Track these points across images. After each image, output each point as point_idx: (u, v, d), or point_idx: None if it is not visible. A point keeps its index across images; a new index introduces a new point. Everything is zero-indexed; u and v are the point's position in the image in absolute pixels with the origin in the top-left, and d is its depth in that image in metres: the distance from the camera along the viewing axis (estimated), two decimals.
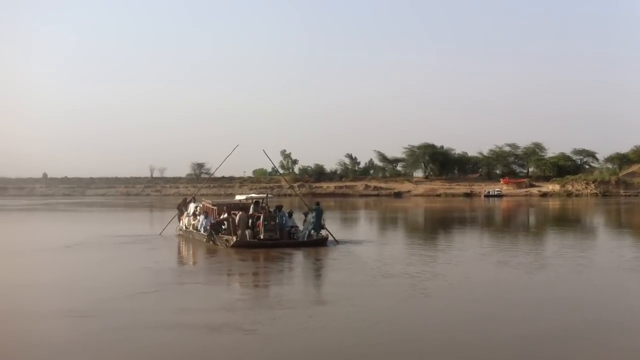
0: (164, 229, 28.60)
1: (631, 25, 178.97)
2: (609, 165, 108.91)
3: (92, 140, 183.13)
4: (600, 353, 9.20)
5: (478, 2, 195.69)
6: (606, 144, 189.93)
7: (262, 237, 22.48)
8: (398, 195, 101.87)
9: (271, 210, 23.79)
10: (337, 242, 23.78)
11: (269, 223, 22.73)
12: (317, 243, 22.82)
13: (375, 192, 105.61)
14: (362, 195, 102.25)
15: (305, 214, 24.27)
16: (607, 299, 13.37)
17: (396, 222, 42.41)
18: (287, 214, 23.87)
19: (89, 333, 10.35)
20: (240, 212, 23.28)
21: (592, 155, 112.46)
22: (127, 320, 11.21)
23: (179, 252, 23.88)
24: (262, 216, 22.87)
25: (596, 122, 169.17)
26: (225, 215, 24.07)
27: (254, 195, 26.79)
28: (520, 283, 15.25)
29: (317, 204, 24.39)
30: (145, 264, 18.81)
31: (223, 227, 23.65)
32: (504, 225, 39.31)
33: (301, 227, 23.95)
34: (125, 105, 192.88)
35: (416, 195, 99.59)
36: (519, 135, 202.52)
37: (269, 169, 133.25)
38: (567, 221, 42.27)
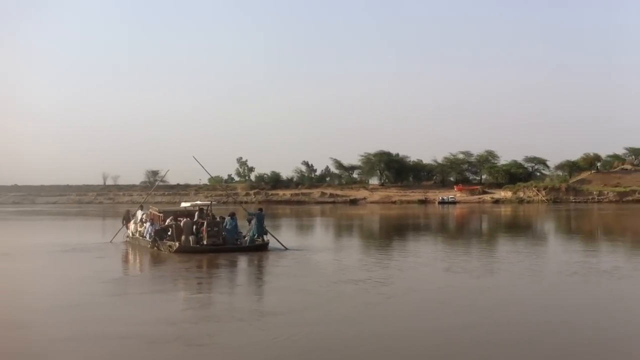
0: (115, 236, 28.38)
1: (584, 34, 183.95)
2: (560, 173, 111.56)
3: (43, 147, 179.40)
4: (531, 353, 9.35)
5: (435, 12, 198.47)
6: (557, 152, 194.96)
7: (205, 242, 23.07)
8: (354, 202, 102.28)
9: (216, 217, 24.66)
10: (285, 248, 23.90)
11: (212, 229, 23.44)
12: (258, 248, 23.45)
13: (331, 200, 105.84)
14: (318, 203, 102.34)
15: (249, 221, 24.64)
16: (548, 302, 13.60)
17: (351, 229, 42.53)
18: (236, 222, 24.20)
19: (26, 345, 10.01)
20: (185, 219, 23.97)
21: (543, 162, 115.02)
22: (67, 332, 10.85)
23: (126, 260, 23.56)
24: (205, 223, 23.52)
25: (547, 130, 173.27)
26: (169, 221, 24.43)
27: (199, 202, 27.75)
28: (468, 288, 15.40)
29: (260, 209, 25.13)
30: (90, 273, 18.34)
31: (168, 233, 23.99)
32: (457, 231, 39.82)
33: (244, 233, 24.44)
34: (77, 110, 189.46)
35: (372, 203, 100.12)
36: (473, 143, 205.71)
37: (225, 176, 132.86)
38: (517, 227, 43.05)
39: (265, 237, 24.22)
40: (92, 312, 12.67)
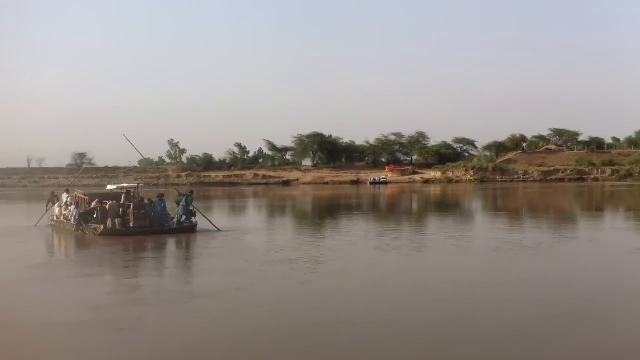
0: (40, 220, 27.60)
1: (509, 20, 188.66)
2: (487, 153, 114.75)
3: None
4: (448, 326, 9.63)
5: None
6: (485, 133, 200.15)
7: (132, 225, 22.74)
8: (287, 183, 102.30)
9: (144, 199, 24.45)
10: (218, 229, 23.75)
11: (139, 212, 23.16)
12: (186, 229, 23.23)
13: (264, 181, 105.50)
14: (251, 184, 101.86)
15: (178, 202, 24.43)
16: (471, 278, 14.00)
17: (284, 210, 42.56)
18: (165, 203, 23.96)
19: None
20: (111, 202, 23.57)
21: (471, 143, 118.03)
22: None
23: (50, 244, 22.93)
24: (132, 205, 23.21)
25: (476, 112, 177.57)
26: (95, 204, 23.96)
27: (125, 185, 27.40)
28: (399, 266, 15.67)
29: (191, 192, 25.06)
30: (13, 257, 17.75)
31: (93, 216, 23.56)
32: (388, 211, 40.41)
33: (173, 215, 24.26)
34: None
35: (305, 184, 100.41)
36: (404, 124, 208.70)
37: (156, 159, 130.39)
38: (446, 206, 44.04)
39: (193, 218, 23.97)
40: (15, 297, 12.29)
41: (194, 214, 24.18)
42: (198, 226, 23.83)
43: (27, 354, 8.63)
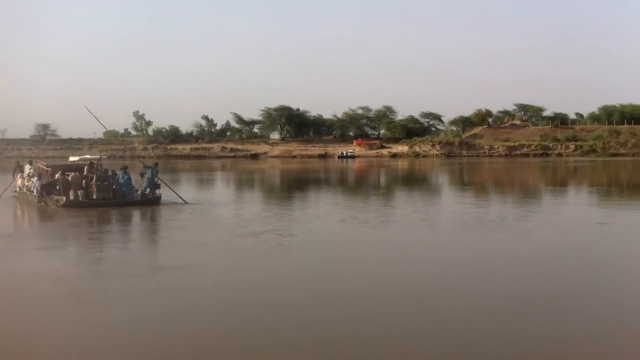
0: (4, 191, 27.25)
1: None
2: (454, 128, 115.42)
3: None
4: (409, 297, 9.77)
5: None
6: (451, 108, 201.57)
7: (94, 197, 22.54)
8: (255, 157, 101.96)
9: (108, 170, 24.30)
10: (185, 202, 23.62)
11: (102, 183, 22.89)
12: (150, 202, 23.09)
13: (232, 154, 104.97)
14: (218, 157, 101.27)
15: (142, 175, 24.26)
16: (442, 255, 14.19)
17: (251, 183, 42.44)
18: (130, 175, 23.81)
19: None
20: (74, 173, 23.33)
21: (438, 118, 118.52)
22: None
23: (13, 215, 22.71)
24: (95, 177, 22.99)
25: (442, 86, 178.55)
26: (58, 176, 23.65)
27: (88, 156, 27.42)
28: (365, 239, 15.81)
29: (156, 164, 24.90)
30: None
31: (56, 188, 23.29)
32: (356, 184, 40.61)
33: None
34: None
35: (273, 157, 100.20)
36: (371, 99, 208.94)
37: (122, 130, 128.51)
38: (413, 180, 44.41)
39: (157, 191, 23.80)
40: None
41: (159, 187, 23.97)
42: (164, 199, 23.64)
43: None
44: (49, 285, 10.57)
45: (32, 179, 25.20)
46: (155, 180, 23.84)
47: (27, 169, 26.57)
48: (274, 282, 10.94)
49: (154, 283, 10.93)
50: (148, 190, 23.57)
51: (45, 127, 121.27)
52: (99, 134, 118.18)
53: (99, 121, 27.06)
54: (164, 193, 24.15)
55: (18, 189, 26.84)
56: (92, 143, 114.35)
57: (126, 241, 16.37)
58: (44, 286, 10.50)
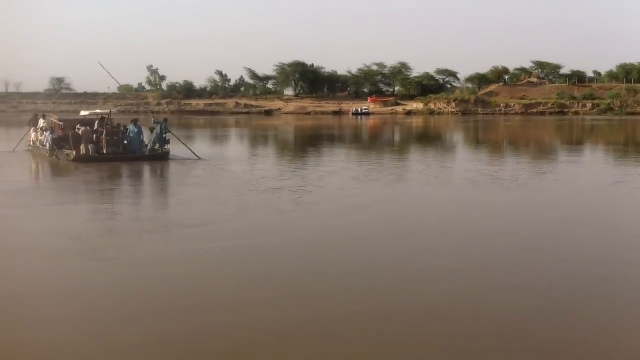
0: (17, 145, 27.56)
1: None
2: (469, 85, 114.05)
3: None
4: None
5: None
6: (467, 65, 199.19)
7: (105, 152, 22.79)
8: (269, 113, 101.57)
9: (120, 125, 24.45)
10: (198, 158, 23.74)
11: (112, 138, 23.16)
12: (159, 157, 23.24)
13: (246, 110, 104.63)
14: (232, 113, 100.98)
15: (152, 130, 24.35)
16: (456, 215, 14.22)
17: (266, 140, 42.44)
18: (141, 129, 24.01)
19: None
20: (84, 127, 23.62)
21: (453, 75, 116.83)
22: None
23: (28, 169, 22.99)
24: (105, 131, 23.16)
25: (458, 43, 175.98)
26: (72, 131, 23.99)
27: (98, 111, 27.63)
28: (375, 195, 15.86)
29: (165, 120, 24.81)
30: None
31: (68, 142, 23.50)
32: (371, 142, 40.48)
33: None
34: None
35: (287, 114, 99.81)
36: (386, 54, 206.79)
37: (135, 85, 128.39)
38: (428, 138, 44.20)
39: (167, 146, 23.92)
40: None
41: (168, 142, 24.06)
42: (175, 154, 23.83)
43: (14, 277, 8.69)
44: (67, 241, 10.58)
45: (44, 133, 25.50)
46: (165, 135, 23.90)
47: (41, 122, 26.87)
48: (288, 240, 11.01)
49: (169, 241, 10.85)
50: (157, 145, 23.68)
51: (60, 80, 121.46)
52: (113, 88, 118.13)
53: (112, 76, 27.15)
54: (178, 149, 24.27)
55: (32, 142, 27.23)
56: (106, 97, 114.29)
57: (139, 197, 16.53)
58: (62, 242, 10.53)
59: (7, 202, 14.56)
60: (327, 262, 9.54)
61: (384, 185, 17.65)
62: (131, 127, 23.75)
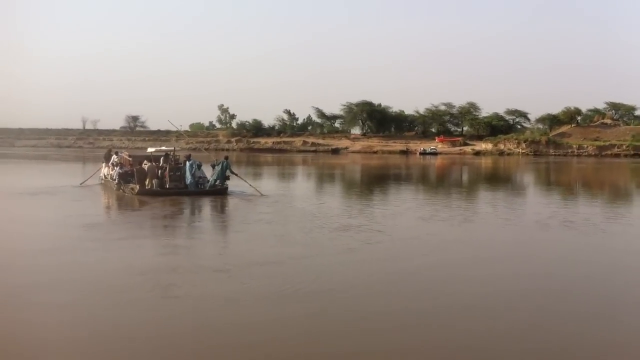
0: (86, 180, 28.91)
1: None
2: (540, 126, 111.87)
3: (21, 89, 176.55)
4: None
5: None
6: (538, 105, 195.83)
7: (168, 186, 24.08)
8: (335, 151, 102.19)
9: (179, 162, 25.62)
10: (261, 194, 24.25)
11: (175, 173, 24.41)
12: (218, 192, 24.21)
13: (313, 148, 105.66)
14: (299, 151, 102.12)
15: (213, 166, 25.39)
16: (516, 252, 13.81)
17: (333, 177, 42.58)
18: (197, 165, 24.99)
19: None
20: (150, 163, 24.96)
21: (524, 115, 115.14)
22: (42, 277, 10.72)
23: (99, 203, 23.81)
24: (168, 167, 24.54)
25: (530, 83, 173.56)
26: (138, 166, 25.36)
27: (164, 148, 29.36)
28: (449, 235, 15.59)
29: (226, 157, 25.79)
30: (66, 215, 18.26)
31: (133, 176, 24.86)
32: (438, 182, 40.04)
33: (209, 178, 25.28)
34: (56, 55, 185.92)
35: (353, 152, 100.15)
36: (455, 94, 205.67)
37: (207, 123, 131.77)
38: (497, 179, 43.36)
39: (226, 182, 24.85)
40: (62, 257, 12.46)
41: (228, 178, 25.00)
42: (238, 190, 24.87)
43: (87, 310, 8.81)
44: (132, 277, 10.53)
45: (114, 168, 26.78)
46: (227, 172, 24.89)
47: (114, 158, 28.23)
48: (354, 278, 10.89)
49: (240, 282, 10.50)
50: (218, 181, 24.64)
51: (134, 118, 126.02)
52: (185, 126, 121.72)
53: (177, 127, 27.77)
54: (243, 185, 25.23)
55: (104, 176, 28.85)
56: (178, 135, 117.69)
57: (207, 233, 16.62)
58: (131, 278, 10.56)
59: (82, 235, 14.82)
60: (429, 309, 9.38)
61: (454, 226, 17.32)
62: (187, 163, 24.73)
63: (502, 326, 8.34)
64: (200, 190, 24.25)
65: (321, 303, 9.28)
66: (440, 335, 7.97)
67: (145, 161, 25.68)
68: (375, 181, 38.53)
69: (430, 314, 8.85)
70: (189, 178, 24.35)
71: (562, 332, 8.04)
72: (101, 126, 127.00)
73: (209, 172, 25.56)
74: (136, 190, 23.74)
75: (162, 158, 25.81)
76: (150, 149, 28.72)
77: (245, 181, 25.86)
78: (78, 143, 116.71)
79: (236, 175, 25.56)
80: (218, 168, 24.84)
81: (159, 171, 24.60)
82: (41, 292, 9.60)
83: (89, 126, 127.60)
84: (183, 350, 7.22)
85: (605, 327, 8.40)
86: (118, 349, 7.28)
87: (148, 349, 7.36)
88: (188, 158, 25.04)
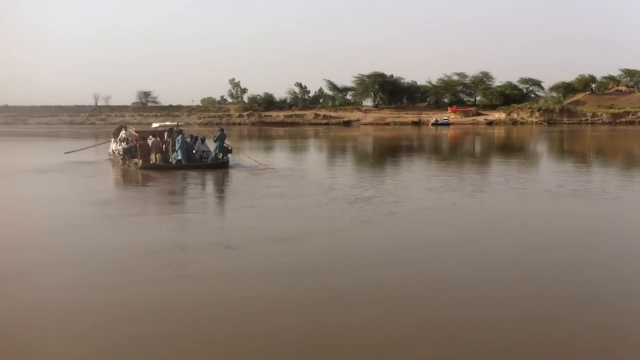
0: (73, 151, 30.92)
1: None
2: (554, 94, 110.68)
3: (34, 67, 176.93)
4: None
5: None
6: (552, 74, 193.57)
7: (171, 161, 24.76)
8: (347, 124, 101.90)
9: (191, 136, 26.34)
10: (267, 168, 24.61)
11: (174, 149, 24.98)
12: (219, 165, 24.69)
13: (325, 121, 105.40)
14: (311, 124, 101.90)
15: (215, 140, 25.93)
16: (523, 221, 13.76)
17: (345, 150, 42.48)
18: (200, 140, 25.94)
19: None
20: (154, 138, 25.68)
21: (537, 84, 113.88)
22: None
23: (110, 179, 23.97)
24: (171, 142, 25.26)
25: (543, 51, 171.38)
26: (142, 141, 26.14)
27: (167, 123, 29.98)
28: (462, 208, 15.51)
29: (221, 129, 26.45)
30: (79, 190, 18.40)
31: (136, 151, 25.53)
32: (451, 152, 39.84)
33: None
34: (68, 32, 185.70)
35: (365, 124, 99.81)
36: (468, 64, 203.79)
37: (218, 98, 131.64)
38: (510, 149, 43.05)
39: (229, 154, 25.74)
40: (77, 234, 12.51)
41: (230, 151, 25.88)
42: (247, 163, 25.64)
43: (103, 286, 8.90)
44: (149, 255, 10.44)
45: (121, 143, 27.28)
46: (226, 145, 25.75)
47: (122, 134, 28.68)
48: (372, 248, 10.91)
49: (262, 256, 10.38)
50: (221, 154, 25.34)
51: (146, 94, 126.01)
52: (197, 101, 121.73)
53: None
54: (248, 157, 25.96)
55: (112, 152, 29.34)
56: (190, 110, 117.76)
57: (219, 209, 16.73)
58: (141, 255, 10.49)
59: (97, 212, 14.88)
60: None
61: (464, 196, 17.24)
62: (179, 138, 25.04)
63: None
64: (202, 163, 24.78)
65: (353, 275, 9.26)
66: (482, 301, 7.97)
67: (150, 136, 26.21)
68: (389, 153, 38.37)
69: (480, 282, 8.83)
70: (178, 154, 24.55)
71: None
72: (113, 102, 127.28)
73: (212, 147, 26.01)
74: (140, 165, 24.31)
75: (166, 133, 26.45)
76: (154, 124, 29.37)
77: (243, 154, 26.78)
78: (90, 120, 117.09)
79: (229, 147, 26.41)
80: (218, 142, 25.53)
81: (163, 146, 25.35)
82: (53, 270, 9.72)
83: (101, 103, 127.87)
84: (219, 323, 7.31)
85: None
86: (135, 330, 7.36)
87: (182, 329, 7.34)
88: (179, 132, 25.44)
